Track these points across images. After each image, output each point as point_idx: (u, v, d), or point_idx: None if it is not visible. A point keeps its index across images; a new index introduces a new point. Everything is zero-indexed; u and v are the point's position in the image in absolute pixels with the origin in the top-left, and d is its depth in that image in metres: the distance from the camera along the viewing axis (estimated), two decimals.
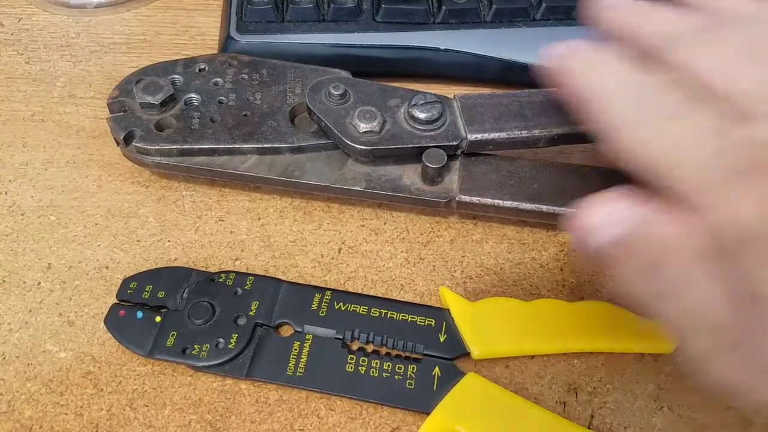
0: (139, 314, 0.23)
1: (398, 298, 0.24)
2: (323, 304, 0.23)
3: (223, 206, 0.28)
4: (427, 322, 0.23)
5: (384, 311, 0.23)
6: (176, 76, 0.28)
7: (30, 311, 0.24)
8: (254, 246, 0.26)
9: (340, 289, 0.24)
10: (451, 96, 0.28)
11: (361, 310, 0.23)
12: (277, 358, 0.22)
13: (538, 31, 0.31)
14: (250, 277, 0.24)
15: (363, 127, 0.26)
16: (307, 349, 0.22)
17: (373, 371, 0.22)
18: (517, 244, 0.27)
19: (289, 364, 0.22)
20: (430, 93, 0.27)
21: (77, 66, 0.33)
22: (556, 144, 0.27)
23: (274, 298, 0.23)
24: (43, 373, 0.23)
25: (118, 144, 0.27)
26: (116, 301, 0.24)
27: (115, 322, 0.23)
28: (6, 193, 0.28)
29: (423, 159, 0.25)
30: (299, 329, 0.23)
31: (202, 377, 0.23)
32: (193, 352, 0.22)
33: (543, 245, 0.27)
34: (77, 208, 0.27)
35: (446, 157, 0.25)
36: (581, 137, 0.27)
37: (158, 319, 0.23)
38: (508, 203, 0.25)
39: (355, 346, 0.23)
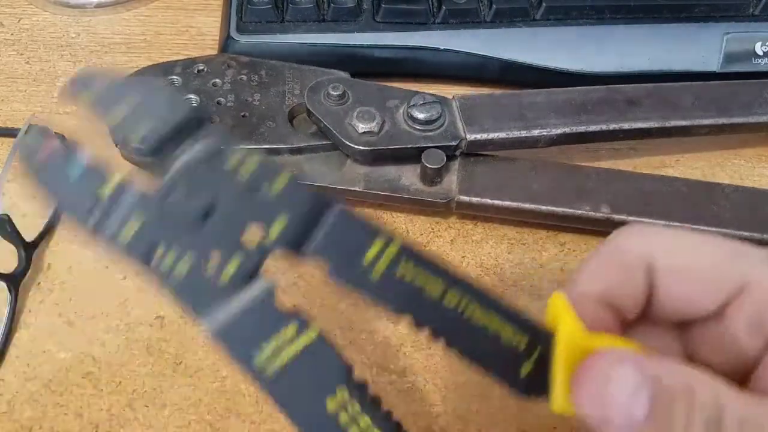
0: (80, 163, 0.14)
1: None
2: (382, 259, 0.15)
3: None
4: (515, 342, 0.15)
5: (465, 302, 0.15)
6: (175, 76, 0.28)
7: (30, 311, 0.24)
8: None
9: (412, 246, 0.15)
10: (451, 96, 0.28)
11: (433, 289, 0.15)
12: (256, 330, 0.14)
13: (538, 31, 0.31)
14: (284, 175, 0.15)
15: (362, 127, 0.26)
16: (299, 346, 0.14)
17: (354, 430, 0.14)
18: (517, 244, 0.27)
19: (265, 351, 0.14)
20: (429, 93, 0.27)
21: (77, 66, 0.33)
22: (555, 144, 0.27)
23: (315, 220, 0.15)
24: (43, 373, 0.23)
25: (117, 145, 0.27)
26: (43, 126, 0.14)
27: (32, 161, 0.14)
28: (5, 194, 0.28)
29: (422, 159, 0.25)
30: (335, 279, 0.15)
31: (202, 377, 0.23)
32: (162, 262, 0.14)
33: (543, 245, 0.27)
34: None
35: (445, 158, 0.25)
36: (581, 137, 0.27)
37: (113, 182, 0.14)
38: (507, 204, 0.25)
39: (358, 379, 0.15)
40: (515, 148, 0.27)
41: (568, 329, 0.15)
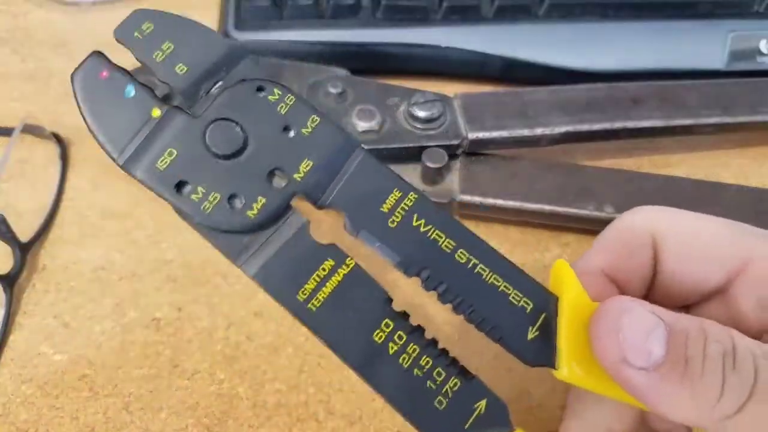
0: (131, 90, 0.14)
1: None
2: (400, 209, 0.15)
3: None
4: (521, 303, 0.15)
5: (474, 260, 0.15)
6: None
7: (25, 313, 0.24)
8: None
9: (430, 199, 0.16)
10: (452, 94, 0.27)
11: (445, 244, 0.15)
12: (296, 267, 0.15)
13: (540, 28, 0.30)
14: (315, 117, 0.15)
15: (362, 126, 0.25)
16: (339, 278, 0.15)
17: (404, 359, 0.15)
18: (520, 244, 0.26)
19: (306, 286, 0.15)
20: (430, 91, 0.27)
21: (73, 64, 0.32)
22: (558, 143, 0.27)
23: (339, 165, 0.15)
24: (38, 375, 0.22)
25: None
26: (100, 51, 0.15)
27: (89, 84, 0.14)
28: (0, 192, 0.27)
29: (423, 159, 0.25)
30: (352, 228, 0.15)
31: (198, 380, 0.22)
32: (193, 195, 0.14)
33: (546, 246, 0.26)
34: (72, 208, 0.27)
35: (447, 157, 0.25)
36: (584, 136, 0.27)
37: (156, 112, 0.14)
38: (510, 203, 0.25)
39: (398, 307, 0.15)
40: (517, 147, 0.26)
41: (571, 294, 0.15)
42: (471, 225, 0.27)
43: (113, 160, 0.15)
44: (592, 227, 0.26)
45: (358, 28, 0.30)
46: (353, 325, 0.15)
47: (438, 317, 0.24)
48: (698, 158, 0.30)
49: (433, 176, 0.25)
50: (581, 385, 0.15)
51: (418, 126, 0.26)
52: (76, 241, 0.26)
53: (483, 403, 0.15)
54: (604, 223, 0.25)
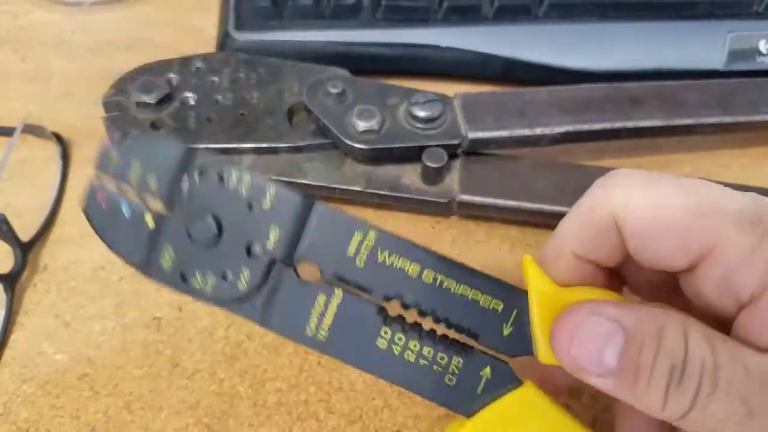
0: (125, 208, 0.17)
1: None
2: (363, 249, 0.17)
3: None
4: (492, 305, 0.17)
5: (440, 278, 0.17)
6: (172, 74, 0.28)
7: (26, 312, 0.24)
8: None
9: (388, 231, 0.18)
10: (452, 94, 0.27)
11: (411, 269, 0.17)
12: (297, 310, 0.17)
13: (540, 28, 0.30)
14: (271, 189, 0.17)
15: (362, 126, 0.25)
16: (334, 308, 0.17)
17: (408, 354, 0.17)
18: (520, 244, 0.26)
19: (310, 322, 0.17)
20: (431, 91, 0.27)
21: (73, 64, 0.33)
22: (558, 143, 0.27)
23: (301, 224, 0.17)
24: (39, 375, 0.22)
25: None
26: (95, 172, 0.17)
27: (96, 211, 0.17)
28: (1, 192, 0.27)
29: (423, 158, 0.25)
30: (328, 276, 0.17)
31: (199, 380, 0.22)
32: (194, 282, 0.17)
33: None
34: (73, 207, 0.27)
35: (447, 157, 0.25)
36: (584, 136, 0.27)
37: (150, 222, 0.17)
38: (509, 203, 0.25)
39: (393, 310, 0.17)
40: (517, 147, 0.26)
41: (537, 288, 0.17)
42: (471, 225, 0.27)
43: (135, 267, 0.17)
44: None
45: (359, 28, 0.30)
46: (358, 340, 0.17)
47: None
48: (698, 158, 0.30)
49: (433, 176, 0.25)
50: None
51: (419, 126, 0.26)
52: (76, 240, 0.26)
53: (487, 369, 0.17)
54: None
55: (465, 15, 0.30)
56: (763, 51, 0.31)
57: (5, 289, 0.24)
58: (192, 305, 0.24)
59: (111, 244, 0.17)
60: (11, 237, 0.24)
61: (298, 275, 0.17)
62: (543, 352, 0.16)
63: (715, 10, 0.31)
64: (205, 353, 0.23)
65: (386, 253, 0.17)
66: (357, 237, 0.17)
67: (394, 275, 0.17)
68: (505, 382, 0.17)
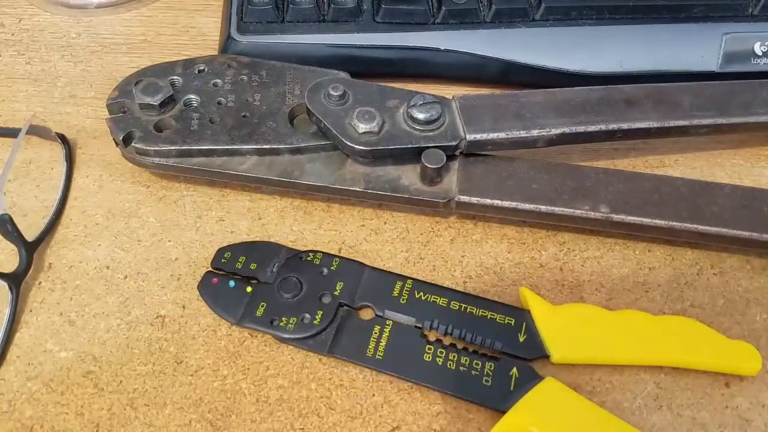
0: (232, 283, 0.24)
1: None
2: (404, 291, 0.24)
3: (223, 206, 0.28)
4: (506, 321, 0.23)
5: (464, 305, 0.23)
6: (175, 77, 0.28)
7: (31, 311, 0.24)
8: None
9: (421, 279, 0.25)
10: (450, 96, 0.28)
11: (441, 301, 0.24)
12: (358, 340, 0.23)
13: (537, 31, 0.31)
14: (336, 259, 0.25)
15: (362, 127, 0.26)
16: (387, 334, 0.23)
17: (450, 363, 0.22)
18: (517, 243, 0.27)
19: (369, 347, 0.23)
20: (429, 93, 0.27)
21: (78, 66, 0.33)
22: (554, 144, 0.27)
23: (357, 280, 0.24)
24: (43, 372, 0.23)
25: (117, 145, 0.27)
26: (210, 268, 0.25)
27: (208, 288, 0.24)
28: (7, 192, 0.28)
29: (422, 159, 0.25)
30: (380, 314, 0.23)
31: (202, 376, 0.23)
32: (280, 323, 0.23)
33: (542, 245, 0.27)
34: (78, 207, 0.28)
35: (445, 158, 0.25)
36: (580, 137, 0.27)
37: (249, 289, 0.24)
38: (507, 203, 0.25)
39: (432, 337, 0.23)
40: (515, 148, 0.27)
41: (537, 308, 0.23)
42: (469, 224, 0.27)
43: (230, 322, 0.24)
44: (588, 227, 0.26)
45: (359, 31, 0.31)
46: (408, 356, 0.22)
47: None
48: (693, 159, 0.30)
49: (432, 176, 0.26)
50: (570, 362, 0.23)
51: (418, 127, 0.26)
52: (81, 240, 0.26)
53: (515, 370, 0.22)
54: (600, 223, 0.25)
55: (463, 18, 0.31)
56: (759, 53, 0.31)
57: (10, 288, 0.24)
58: (196, 303, 0.25)
59: (215, 308, 0.24)
60: (16, 236, 0.25)
61: (358, 315, 0.24)
62: (556, 355, 0.22)
63: (711, 12, 0.31)
64: (209, 350, 0.23)
65: (422, 293, 0.24)
66: (399, 284, 0.24)
67: (429, 306, 0.23)
68: (530, 378, 0.22)
